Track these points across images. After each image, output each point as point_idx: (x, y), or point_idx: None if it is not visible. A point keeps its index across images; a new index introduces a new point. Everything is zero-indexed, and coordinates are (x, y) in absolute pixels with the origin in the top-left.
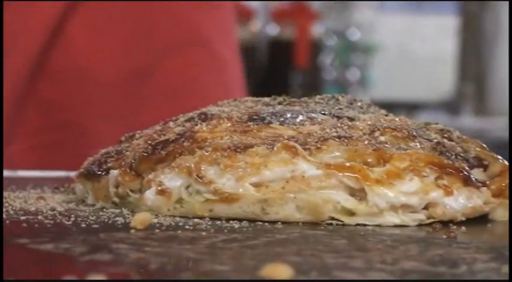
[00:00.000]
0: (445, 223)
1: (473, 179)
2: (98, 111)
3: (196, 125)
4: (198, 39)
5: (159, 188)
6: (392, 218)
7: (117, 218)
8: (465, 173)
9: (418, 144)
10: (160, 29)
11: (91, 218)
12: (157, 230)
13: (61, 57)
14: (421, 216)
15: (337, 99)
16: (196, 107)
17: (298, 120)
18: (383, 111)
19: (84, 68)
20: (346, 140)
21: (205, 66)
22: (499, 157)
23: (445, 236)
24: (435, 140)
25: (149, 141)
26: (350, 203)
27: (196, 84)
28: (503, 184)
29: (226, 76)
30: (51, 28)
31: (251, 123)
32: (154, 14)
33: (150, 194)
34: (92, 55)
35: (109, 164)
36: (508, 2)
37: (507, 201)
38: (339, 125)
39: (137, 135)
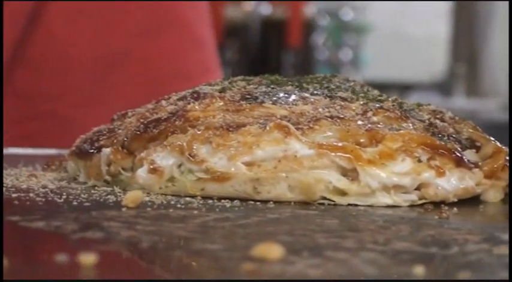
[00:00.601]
0: (437, 204)
1: (465, 160)
2: (78, 99)
3: (189, 103)
4: (176, 20)
5: (151, 166)
6: (384, 199)
7: (109, 196)
8: (457, 154)
9: (410, 124)
10: (137, 12)
11: (83, 196)
12: (148, 209)
13: (37, 46)
14: (413, 196)
15: (330, 79)
16: (178, 89)
17: (290, 99)
18: (376, 92)
19: (61, 56)
20: (338, 120)
21: (185, 47)
22: (492, 138)
23: (436, 217)
24: (428, 121)
25: (141, 120)
26: (342, 183)
27: (176, 66)
28: (495, 165)
29: (205, 55)
30: (27, 17)
31: (244, 102)
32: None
33: (142, 172)
34: (68, 42)
35: (101, 142)
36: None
37: (499, 183)
38: (331, 105)
39: (129, 114)
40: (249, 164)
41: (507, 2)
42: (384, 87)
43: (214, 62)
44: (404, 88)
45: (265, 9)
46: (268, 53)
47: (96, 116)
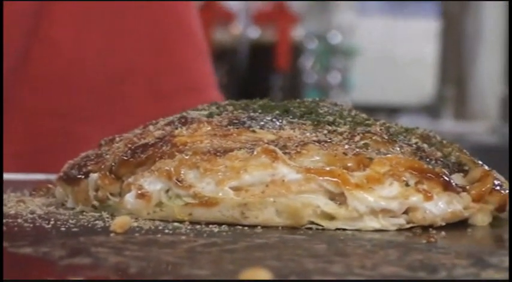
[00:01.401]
0: (425, 228)
1: (453, 184)
2: (85, 116)
3: (177, 128)
4: (182, 32)
5: (139, 191)
6: (372, 223)
7: (97, 222)
8: (445, 178)
9: (398, 148)
10: (142, 26)
11: (71, 221)
12: (136, 234)
13: (42, 63)
14: (401, 220)
15: (318, 104)
16: (186, 102)
17: (278, 124)
18: (363, 116)
19: (67, 72)
20: (326, 145)
21: (191, 58)
22: (480, 162)
23: (424, 241)
24: (415, 145)
25: (129, 145)
26: (330, 207)
27: (184, 78)
28: (483, 189)
29: (209, 66)
30: (26, 31)
31: (231, 127)
32: (133, 13)
33: (130, 198)
34: (74, 59)
35: (89, 168)
36: (489, 2)
37: (487, 207)
38: (319, 129)
39: (117, 139)
40: (236, 189)
41: (495, 23)
42: (372, 110)
43: (213, 75)
44: (393, 111)
45: (254, 32)
46: (256, 76)
47: (105, 132)
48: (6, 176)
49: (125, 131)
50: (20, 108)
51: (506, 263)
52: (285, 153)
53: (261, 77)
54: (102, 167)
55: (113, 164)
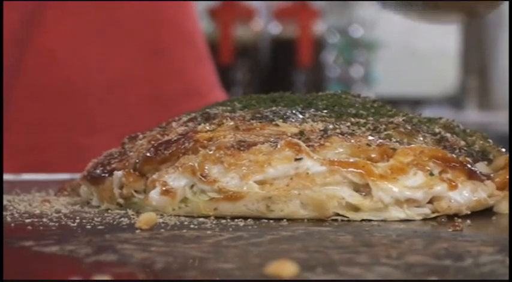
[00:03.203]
0: (450, 217)
1: (477, 172)
2: (87, 125)
3: (199, 124)
4: (181, 37)
5: (164, 188)
6: (397, 213)
7: (122, 219)
8: (469, 166)
9: (421, 138)
10: (139, 32)
11: (96, 219)
12: (162, 230)
13: (39, 74)
14: (426, 210)
15: (340, 96)
16: (188, 107)
17: (301, 117)
18: (387, 107)
19: (65, 83)
20: (349, 136)
21: (191, 63)
22: (503, 150)
23: (450, 230)
24: (439, 135)
25: (152, 142)
26: (355, 198)
27: (185, 83)
28: (507, 177)
29: (210, 70)
30: (18, 41)
31: (254, 121)
32: (129, 20)
33: (154, 194)
34: (72, 68)
35: (113, 166)
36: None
37: None
38: (342, 121)
39: (140, 136)
40: (261, 183)
41: None
42: (395, 102)
43: (216, 78)
44: (416, 103)
45: (275, 28)
46: (279, 72)
47: (108, 142)
48: (31, 176)
49: None
50: (21, 121)
51: None
52: (308, 146)
53: (283, 73)
54: (126, 164)
55: (137, 161)
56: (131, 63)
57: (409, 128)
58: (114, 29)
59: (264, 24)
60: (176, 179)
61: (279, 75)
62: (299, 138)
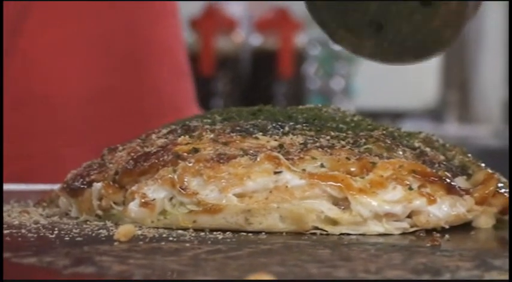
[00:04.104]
0: (429, 231)
1: (456, 187)
2: (67, 138)
3: (179, 136)
4: (160, 51)
5: (143, 200)
6: (376, 227)
7: (101, 231)
8: (448, 181)
9: (401, 152)
10: (119, 46)
11: (74, 230)
12: (140, 242)
13: (21, 84)
14: (405, 224)
15: (321, 109)
16: (167, 122)
17: (281, 130)
18: (367, 120)
19: (44, 95)
20: (329, 150)
21: (170, 77)
22: (483, 165)
23: (428, 244)
24: (418, 149)
25: (132, 154)
26: (333, 212)
27: (164, 98)
28: (487, 192)
29: (190, 85)
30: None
31: (234, 134)
32: (110, 34)
33: (133, 206)
34: (53, 79)
35: (92, 177)
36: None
37: (490, 209)
38: (322, 135)
39: (120, 148)
40: (240, 196)
41: (497, 27)
42: (376, 115)
43: (194, 93)
44: (397, 116)
45: (256, 40)
46: (259, 84)
47: (88, 153)
48: (10, 186)
49: None
50: (5, 129)
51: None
52: (288, 159)
53: (264, 84)
54: (106, 176)
55: (116, 173)
56: (110, 76)
57: (389, 142)
58: (94, 42)
59: (245, 35)
60: (155, 191)
61: (259, 86)
62: (279, 152)
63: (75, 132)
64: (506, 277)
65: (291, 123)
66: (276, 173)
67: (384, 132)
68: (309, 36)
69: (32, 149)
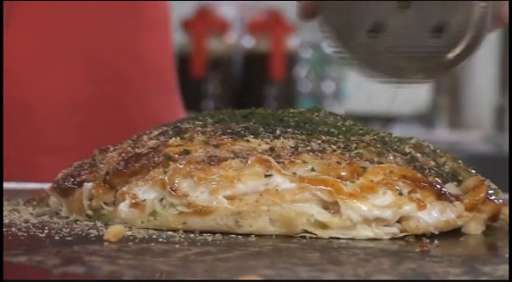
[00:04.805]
0: (418, 236)
1: (446, 193)
2: (43, 145)
3: (171, 138)
4: (144, 65)
5: (133, 200)
6: (366, 231)
7: (91, 231)
8: (438, 186)
9: (391, 158)
10: (102, 57)
11: (65, 230)
12: (130, 243)
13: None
14: (394, 229)
15: (312, 113)
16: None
17: (272, 134)
18: (358, 125)
19: (25, 102)
20: (320, 154)
21: (152, 91)
22: (473, 171)
23: (418, 250)
24: (409, 154)
25: (123, 155)
26: (323, 216)
27: (144, 111)
28: (477, 198)
29: (173, 100)
30: None
31: (225, 136)
32: (95, 40)
33: (123, 207)
34: (33, 89)
35: (83, 177)
36: None
37: (480, 215)
38: (313, 139)
39: (111, 148)
40: (230, 198)
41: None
42: (366, 119)
43: (181, 107)
44: (387, 120)
45: (248, 42)
46: (251, 86)
47: (65, 163)
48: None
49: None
50: None
51: (499, 272)
52: (278, 162)
53: (255, 86)
54: (96, 176)
55: (107, 173)
56: (93, 87)
57: (380, 147)
58: (77, 52)
59: (237, 37)
60: (146, 192)
61: (251, 88)
62: (269, 155)
63: (53, 141)
64: None
65: (283, 127)
66: (266, 176)
67: (375, 137)
68: (301, 39)
69: (9, 155)
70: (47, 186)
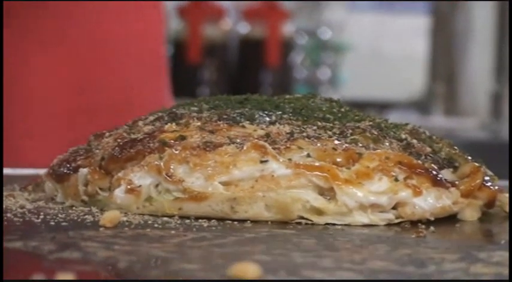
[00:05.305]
0: (414, 223)
1: (442, 179)
2: (26, 128)
3: (166, 123)
4: (126, 53)
5: (129, 186)
6: (361, 218)
7: (86, 216)
8: (434, 173)
9: (387, 144)
10: (86, 41)
11: (60, 215)
12: (126, 228)
13: None
14: (390, 215)
15: (308, 99)
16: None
17: (268, 119)
18: (354, 111)
19: (10, 86)
20: (315, 140)
21: (140, 75)
22: (469, 158)
23: (413, 236)
24: (405, 141)
25: (118, 140)
26: (319, 202)
27: (131, 95)
28: (473, 185)
29: (161, 84)
30: None
31: (221, 122)
32: (78, 24)
33: (119, 192)
34: (14, 70)
35: (78, 162)
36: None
37: (476, 202)
38: (309, 125)
39: (107, 134)
40: (226, 184)
41: (485, 20)
42: (362, 106)
43: (169, 91)
44: (383, 107)
45: (243, 28)
46: (246, 72)
47: (48, 148)
48: None
49: (71, 146)
50: None
51: (495, 258)
52: (274, 148)
53: (251, 73)
54: (92, 161)
55: (102, 159)
56: (76, 72)
57: (376, 133)
58: (58, 38)
59: (232, 23)
60: (141, 178)
61: (246, 75)
62: (265, 141)
63: (36, 124)
64: (491, 270)
65: (278, 113)
66: (262, 162)
67: (371, 123)
68: (296, 26)
69: None
70: (41, 171)
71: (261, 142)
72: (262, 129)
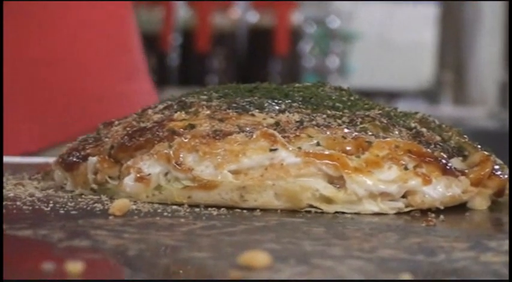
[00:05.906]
0: (424, 211)
1: (452, 167)
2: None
3: (176, 112)
4: (95, 24)
5: (138, 174)
6: (371, 206)
7: (96, 205)
8: (444, 161)
9: (397, 132)
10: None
11: (69, 204)
12: (135, 217)
13: None
14: (400, 204)
15: (318, 88)
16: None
17: (277, 108)
18: (363, 100)
19: None
20: (325, 128)
21: (107, 49)
22: (479, 146)
23: (423, 224)
24: (414, 129)
25: (128, 129)
26: (329, 190)
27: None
28: (482, 173)
29: (131, 58)
30: None
31: (230, 110)
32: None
33: (128, 181)
34: None
35: (87, 151)
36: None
37: (486, 191)
38: (318, 113)
39: (116, 123)
40: (235, 172)
41: (494, 9)
42: (370, 94)
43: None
44: (391, 96)
45: (252, 17)
46: (255, 61)
47: (25, 122)
48: (5, 158)
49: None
50: None
51: (505, 247)
52: (283, 137)
53: (259, 62)
54: (101, 150)
55: (112, 147)
56: (45, 51)
57: (385, 121)
58: (29, 17)
59: (241, 12)
60: (151, 166)
61: (255, 63)
62: (275, 129)
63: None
64: (501, 259)
65: (288, 101)
66: (271, 150)
67: (381, 111)
68: (305, 15)
69: None
70: (52, 160)
71: (271, 130)
72: (272, 117)
